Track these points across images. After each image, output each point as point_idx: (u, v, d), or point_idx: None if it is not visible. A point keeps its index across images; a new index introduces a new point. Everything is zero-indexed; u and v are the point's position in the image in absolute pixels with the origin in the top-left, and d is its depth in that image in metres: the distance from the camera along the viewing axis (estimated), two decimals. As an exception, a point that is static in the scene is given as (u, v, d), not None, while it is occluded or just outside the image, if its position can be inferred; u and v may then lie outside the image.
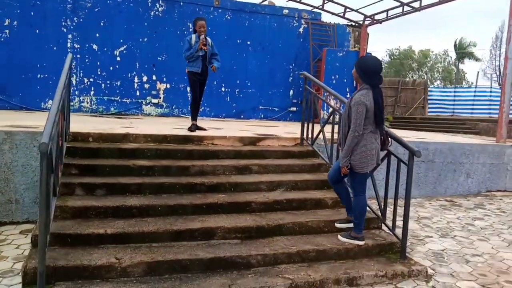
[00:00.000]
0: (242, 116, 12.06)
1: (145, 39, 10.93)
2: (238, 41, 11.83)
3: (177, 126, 7.21)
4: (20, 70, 9.87)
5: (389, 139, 4.02)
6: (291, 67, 12.52)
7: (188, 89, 11.41)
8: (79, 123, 6.32)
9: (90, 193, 4.03)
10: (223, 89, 11.83)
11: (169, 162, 4.75)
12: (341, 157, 3.82)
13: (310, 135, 5.90)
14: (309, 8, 12.74)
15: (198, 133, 5.86)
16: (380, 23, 12.67)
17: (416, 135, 9.15)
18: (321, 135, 5.63)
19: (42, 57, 10.03)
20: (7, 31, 9.72)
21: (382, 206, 4.33)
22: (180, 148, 5.07)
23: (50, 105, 10.67)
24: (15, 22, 9.78)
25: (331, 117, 5.49)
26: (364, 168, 3.75)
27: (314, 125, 5.81)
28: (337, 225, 4.12)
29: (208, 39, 6.17)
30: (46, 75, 10.13)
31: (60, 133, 3.93)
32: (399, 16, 11.87)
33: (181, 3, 11.21)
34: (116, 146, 4.81)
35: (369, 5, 12.20)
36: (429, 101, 22.13)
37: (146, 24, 10.92)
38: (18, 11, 9.78)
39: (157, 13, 11.00)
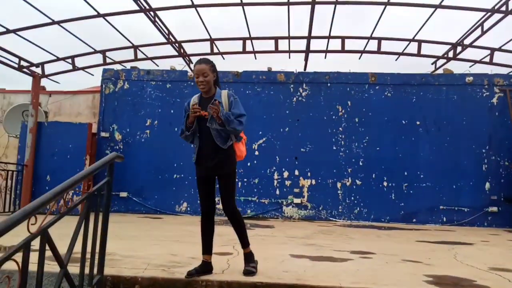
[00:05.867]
0: (414, 220, 8.85)
1: (287, 129, 9.34)
2: (404, 121, 9.17)
3: (311, 245, 4.87)
4: (157, 170, 9.34)
5: None
6: (483, 150, 8.99)
7: (339, 185, 9.10)
8: (154, 245, 4.57)
9: None
10: (385, 183, 9.03)
11: None
12: None
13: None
14: (505, 71, 9.34)
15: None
16: None
17: None
18: None
19: (179, 156, 9.34)
20: (148, 131, 9.48)
21: None
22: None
23: (184, 208, 9.82)
24: (156, 122, 9.51)
25: None
26: None
27: None
28: None
29: (224, 94, 3.33)
30: (182, 175, 9.34)
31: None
32: None
33: (328, 84, 9.43)
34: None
35: None
36: None
37: (287, 112, 9.41)
38: (159, 110, 9.54)
39: (300, 98, 9.43)
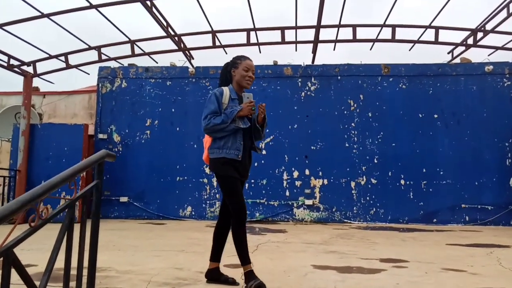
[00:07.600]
0: (434, 220, 8.26)
1: (295, 126, 8.77)
2: (420, 115, 8.58)
3: (332, 253, 4.28)
4: (159, 173, 8.76)
5: None
6: (507, 144, 8.40)
7: (353, 184, 8.51)
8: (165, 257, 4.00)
9: None
10: (402, 182, 8.45)
11: None
12: None
13: None
14: (527, 58, 8.75)
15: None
16: None
17: None
18: None
19: (182, 157, 8.78)
20: (148, 132, 8.91)
21: None
22: None
23: (189, 212, 9.25)
24: (156, 121, 8.94)
25: None
26: None
27: None
28: None
29: (251, 95, 3.13)
30: (185, 177, 8.76)
31: None
32: None
33: (338, 77, 8.85)
34: None
35: None
36: None
37: (295, 107, 8.84)
38: (160, 109, 8.97)
39: (308, 93, 8.86)
